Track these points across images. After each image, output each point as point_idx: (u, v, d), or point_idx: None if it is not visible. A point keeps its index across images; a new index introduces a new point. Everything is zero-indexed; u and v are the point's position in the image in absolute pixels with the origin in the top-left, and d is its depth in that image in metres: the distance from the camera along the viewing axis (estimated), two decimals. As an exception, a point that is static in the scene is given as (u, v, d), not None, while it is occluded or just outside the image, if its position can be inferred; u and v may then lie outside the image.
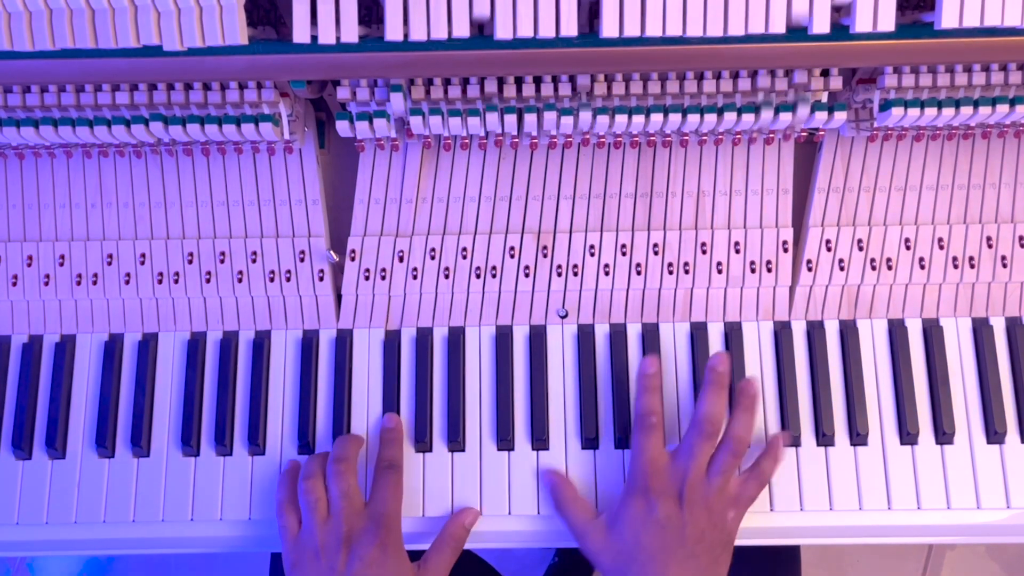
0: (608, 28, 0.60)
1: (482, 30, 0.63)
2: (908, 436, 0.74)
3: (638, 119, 0.68)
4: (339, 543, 0.68)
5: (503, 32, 0.60)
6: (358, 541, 0.68)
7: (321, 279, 0.77)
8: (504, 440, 0.74)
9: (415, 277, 0.77)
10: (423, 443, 0.75)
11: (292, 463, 0.74)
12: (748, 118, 0.68)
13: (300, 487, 0.72)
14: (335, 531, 0.69)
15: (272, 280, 0.77)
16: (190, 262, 0.78)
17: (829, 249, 0.77)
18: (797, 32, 0.61)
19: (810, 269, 0.77)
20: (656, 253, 0.77)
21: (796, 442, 0.74)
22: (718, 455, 0.70)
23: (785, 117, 0.68)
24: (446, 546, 0.71)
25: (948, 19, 0.59)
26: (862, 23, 0.60)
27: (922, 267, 0.77)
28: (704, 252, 0.77)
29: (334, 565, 0.68)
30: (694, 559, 0.67)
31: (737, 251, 0.77)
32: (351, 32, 0.61)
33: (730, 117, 0.68)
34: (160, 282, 0.77)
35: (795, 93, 0.69)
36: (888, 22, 0.60)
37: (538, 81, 0.68)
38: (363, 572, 0.67)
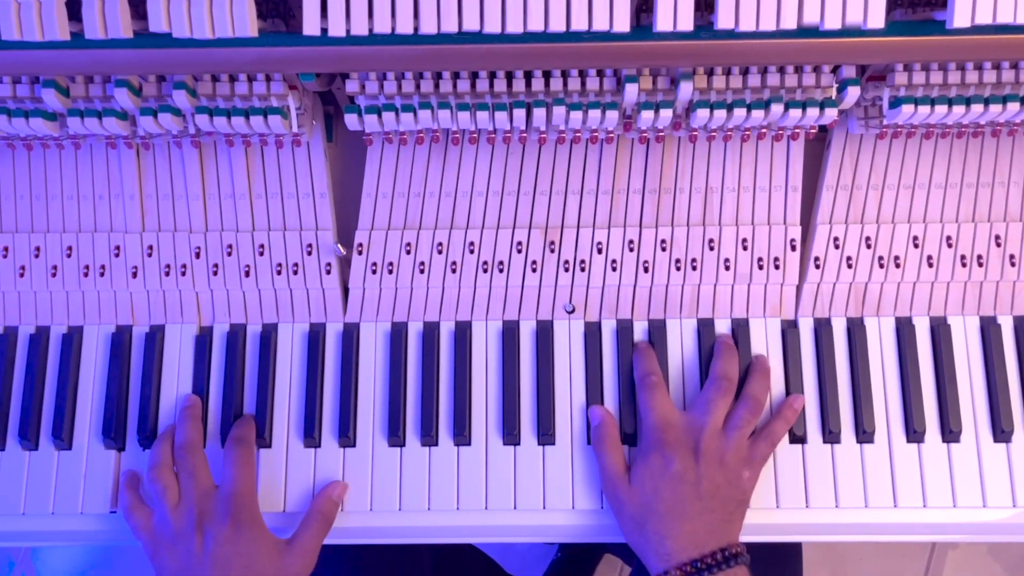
0: (619, 23, 0.60)
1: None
2: (915, 434, 0.74)
3: (647, 114, 0.68)
4: (192, 526, 0.69)
5: (514, 26, 0.60)
6: (210, 521, 0.69)
7: (328, 272, 0.77)
8: (510, 435, 0.74)
9: (422, 271, 0.77)
10: (429, 437, 0.75)
11: (131, 473, 0.74)
12: (758, 114, 0.68)
13: (147, 476, 0.72)
14: (187, 515, 0.69)
15: (279, 273, 0.77)
16: (197, 255, 0.78)
17: (837, 247, 0.77)
18: (808, 28, 0.61)
19: (818, 266, 0.77)
20: (664, 249, 0.77)
21: (803, 439, 0.74)
22: (735, 411, 0.72)
23: (795, 114, 0.68)
24: (314, 521, 0.71)
25: (960, 17, 0.59)
26: (873, 20, 0.60)
27: (930, 265, 0.76)
28: (712, 249, 0.77)
29: (191, 548, 0.68)
30: (709, 513, 0.68)
31: (745, 248, 0.77)
32: (361, 24, 0.61)
33: (740, 113, 0.68)
34: (167, 274, 0.77)
35: (803, 92, 0.68)
36: (878, 19, 0.59)
37: (547, 76, 0.68)
38: (219, 551, 0.68)
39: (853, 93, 0.68)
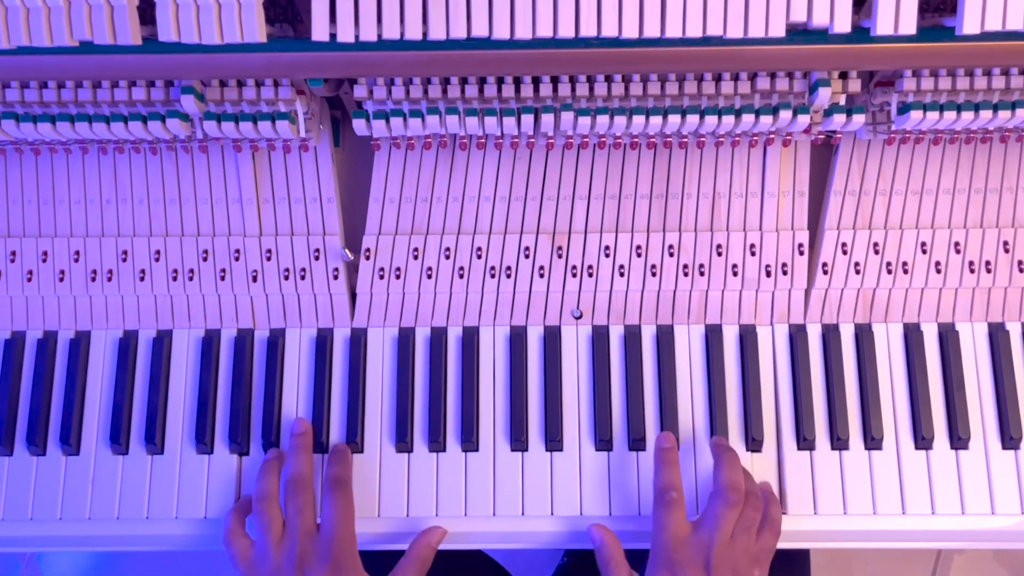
0: (628, 28, 0.60)
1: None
2: (923, 441, 0.74)
3: (655, 120, 0.68)
4: (293, 566, 0.68)
5: (523, 32, 0.60)
6: (311, 564, 0.68)
7: (336, 278, 0.77)
8: (518, 441, 0.74)
9: (430, 276, 0.77)
10: (436, 443, 0.74)
11: (243, 500, 0.74)
12: (766, 120, 0.68)
13: (255, 507, 0.71)
14: (289, 553, 0.68)
15: (287, 278, 0.77)
16: (205, 259, 0.78)
17: (845, 252, 0.77)
18: (817, 34, 0.61)
19: (826, 272, 0.77)
20: (671, 254, 0.77)
21: (811, 446, 0.74)
22: (741, 513, 0.69)
23: (803, 119, 0.68)
24: (412, 566, 0.71)
25: (970, 23, 0.59)
26: (883, 26, 0.59)
27: (938, 271, 0.76)
28: (719, 254, 0.77)
29: None
30: None
31: (753, 253, 0.77)
32: (370, 30, 0.61)
33: (748, 119, 0.68)
34: (175, 279, 0.77)
35: (807, 97, 0.68)
36: (909, 25, 0.60)
37: (555, 81, 0.68)
38: None
39: (858, 120, 0.68)
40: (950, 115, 0.68)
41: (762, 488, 0.73)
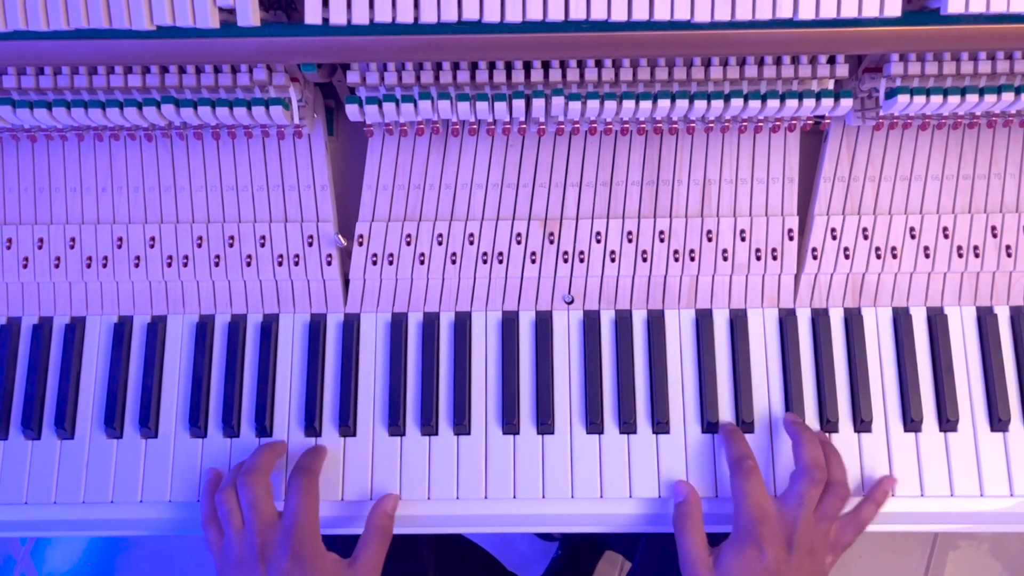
0: (616, 11, 0.60)
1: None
2: (912, 423, 0.74)
3: (645, 105, 0.69)
4: (255, 556, 0.68)
5: (512, 15, 0.61)
6: (272, 554, 0.68)
7: (329, 264, 0.78)
8: (510, 424, 0.75)
9: (422, 262, 0.78)
10: (429, 426, 0.75)
11: (213, 473, 0.74)
12: (755, 105, 0.69)
13: (216, 499, 0.72)
14: (250, 544, 0.69)
15: (280, 264, 0.78)
16: (199, 246, 0.78)
17: (834, 237, 0.77)
18: (804, 19, 0.62)
19: (815, 257, 0.77)
20: (662, 240, 0.78)
21: (800, 428, 0.75)
22: (826, 500, 0.70)
23: (792, 104, 0.69)
24: (373, 538, 0.71)
25: (954, 5, 0.60)
26: (868, 8, 0.60)
27: (927, 256, 0.77)
28: (710, 240, 0.77)
29: None
30: None
31: (743, 239, 0.77)
32: (362, 14, 0.61)
33: (737, 104, 0.69)
34: (169, 265, 0.78)
35: (799, 82, 0.69)
36: (894, 7, 0.60)
37: (546, 66, 0.69)
38: None
39: (846, 104, 0.68)
40: (936, 99, 0.68)
41: (876, 486, 0.73)
